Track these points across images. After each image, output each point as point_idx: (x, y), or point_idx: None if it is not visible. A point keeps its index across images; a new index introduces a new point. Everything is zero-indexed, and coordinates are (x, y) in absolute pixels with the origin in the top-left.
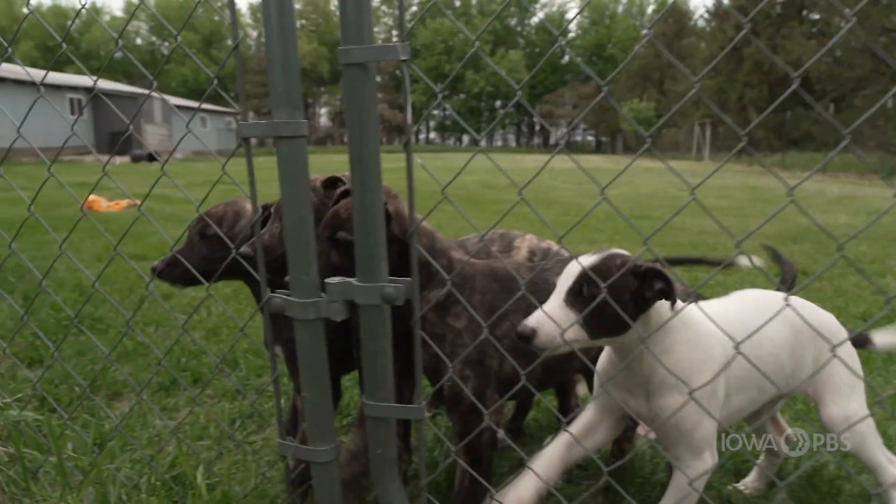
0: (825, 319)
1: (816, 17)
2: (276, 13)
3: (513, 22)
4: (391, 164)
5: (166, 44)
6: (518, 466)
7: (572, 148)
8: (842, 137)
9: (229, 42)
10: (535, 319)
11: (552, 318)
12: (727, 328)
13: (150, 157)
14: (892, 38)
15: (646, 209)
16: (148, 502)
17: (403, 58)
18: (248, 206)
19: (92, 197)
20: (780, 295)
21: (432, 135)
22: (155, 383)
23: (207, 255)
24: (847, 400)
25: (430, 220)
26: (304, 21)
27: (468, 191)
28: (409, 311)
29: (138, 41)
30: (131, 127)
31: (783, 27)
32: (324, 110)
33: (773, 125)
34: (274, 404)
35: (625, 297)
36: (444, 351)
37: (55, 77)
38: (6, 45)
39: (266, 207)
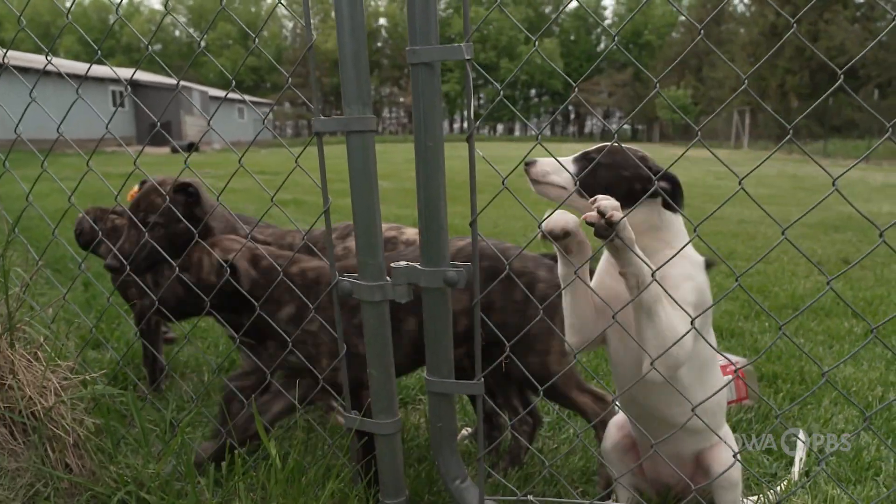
0: None
1: (860, 0)
2: (348, 12)
3: (548, 9)
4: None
5: (205, 36)
6: None
7: (608, 137)
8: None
9: (265, 33)
10: (541, 158)
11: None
12: None
13: (190, 148)
14: None
15: (686, 198)
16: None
17: (468, 57)
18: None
19: (136, 188)
20: None
21: (465, 124)
22: (215, 363)
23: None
24: None
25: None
26: None
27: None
28: None
29: (177, 33)
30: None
31: (826, 11)
32: None
33: (815, 112)
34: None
35: (625, 175)
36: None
37: (98, 70)
38: (97, 47)
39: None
